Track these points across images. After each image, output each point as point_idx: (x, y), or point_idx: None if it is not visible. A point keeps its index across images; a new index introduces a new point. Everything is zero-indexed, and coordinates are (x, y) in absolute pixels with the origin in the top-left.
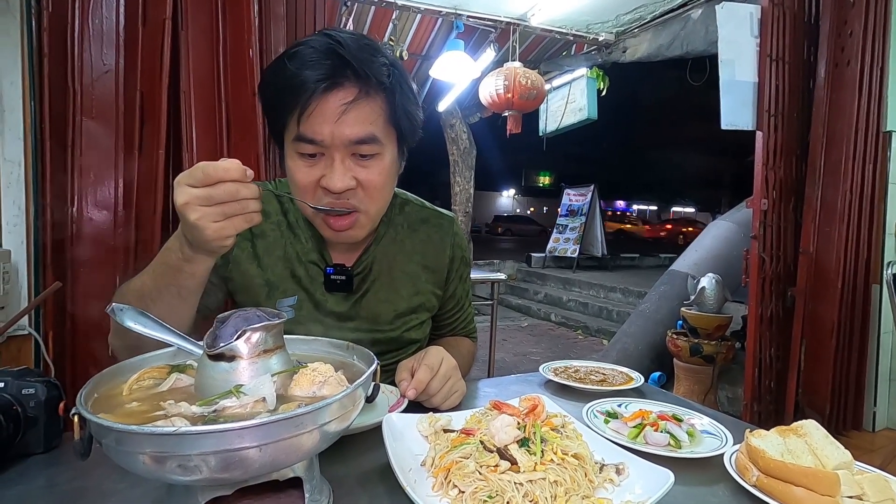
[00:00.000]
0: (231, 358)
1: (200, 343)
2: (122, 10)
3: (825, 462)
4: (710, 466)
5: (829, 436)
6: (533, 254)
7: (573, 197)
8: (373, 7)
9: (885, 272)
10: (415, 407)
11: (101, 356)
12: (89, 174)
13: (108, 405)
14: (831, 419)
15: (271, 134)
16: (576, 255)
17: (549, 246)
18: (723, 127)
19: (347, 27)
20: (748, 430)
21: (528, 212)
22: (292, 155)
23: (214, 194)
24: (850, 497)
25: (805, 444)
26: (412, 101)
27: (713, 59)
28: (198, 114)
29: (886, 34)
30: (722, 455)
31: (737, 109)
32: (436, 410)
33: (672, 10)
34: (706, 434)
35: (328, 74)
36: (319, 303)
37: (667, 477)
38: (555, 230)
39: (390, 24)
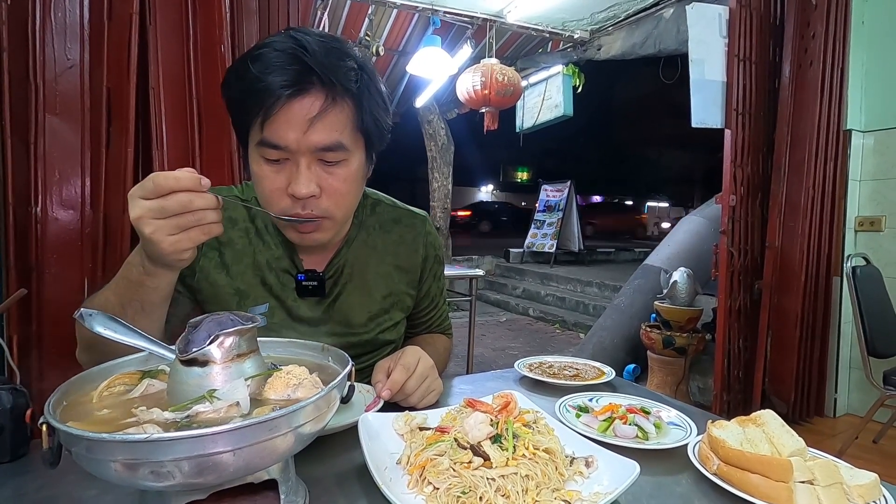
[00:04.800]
0: (204, 363)
1: (172, 348)
2: (86, 3)
3: (781, 449)
4: (675, 456)
5: (785, 424)
6: (511, 249)
7: (550, 193)
8: (348, 2)
9: (844, 265)
10: (392, 405)
11: (69, 361)
12: (54, 172)
13: (78, 413)
14: (795, 406)
15: (236, 134)
16: (553, 250)
17: (526, 241)
18: (693, 125)
19: (322, 22)
20: (710, 421)
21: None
22: (257, 160)
23: (167, 206)
24: (802, 482)
25: (763, 432)
26: (381, 105)
27: (685, 57)
28: (168, 111)
29: (847, 35)
30: (686, 446)
31: (706, 108)
32: (412, 409)
33: (645, 10)
34: (672, 426)
35: (293, 81)
36: (291, 309)
37: (633, 468)
38: (532, 225)
39: (366, 19)
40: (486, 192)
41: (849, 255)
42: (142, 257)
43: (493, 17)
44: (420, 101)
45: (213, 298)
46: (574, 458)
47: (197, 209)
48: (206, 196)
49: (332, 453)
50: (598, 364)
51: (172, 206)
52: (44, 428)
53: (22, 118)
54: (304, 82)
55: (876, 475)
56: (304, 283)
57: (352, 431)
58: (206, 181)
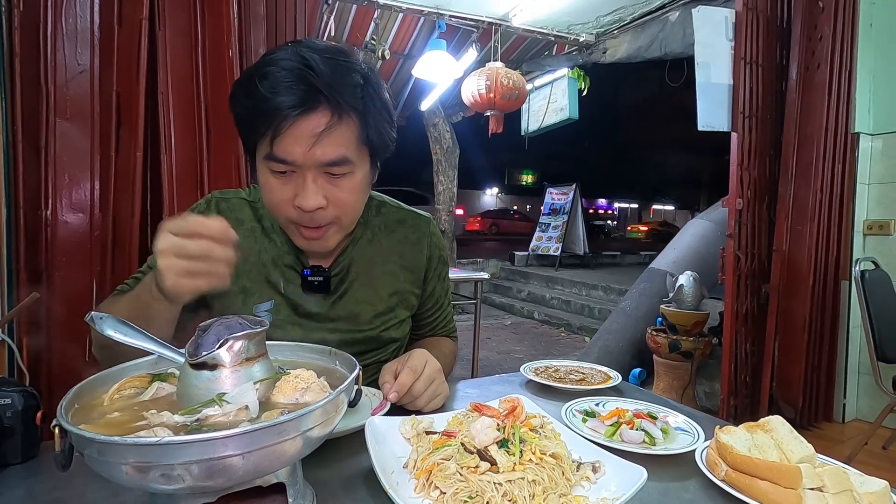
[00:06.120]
0: (213, 366)
1: (182, 351)
2: (96, 9)
3: (790, 456)
4: (683, 462)
5: (794, 431)
6: (516, 252)
7: (555, 196)
8: (354, 6)
9: (853, 269)
10: (398, 409)
11: (78, 362)
12: (64, 176)
13: (89, 415)
14: (804, 411)
15: (243, 145)
16: (558, 253)
17: (532, 244)
18: (699, 128)
19: (328, 27)
20: (718, 426)
21: (512, 209)
22: (265, 171)
23: (187, 246)
24: (811, 489)
25: (771, 439)
26: (385, 118)
27: (691, 60)
28: (176, 115)
29: (854, 38)
30: (693, 451)
31: (713, 111)
32: (419, 413)
33: (650, 13)
34: (680, 431)
35: (301, 101)
36: (297, 305)
37: (640, 474)
38: (537, 229)
39: (372, 23)
40: (490, 196)
41: (857, 259)
42: (153, 282)
43: (498, 21)
44: (425, 105)
45: (218, 296)
46: (581, 464)
47: (212, 258)
48: (226, 250)
49: (339, 457)
50: (604, 368)
51: (192, 248)
52: (56, 431)
53: (33, 122)
54: (311, 101)
55: (887, 482)
56: (309, 278)
57: (359, 435)
58: (234, 235)
